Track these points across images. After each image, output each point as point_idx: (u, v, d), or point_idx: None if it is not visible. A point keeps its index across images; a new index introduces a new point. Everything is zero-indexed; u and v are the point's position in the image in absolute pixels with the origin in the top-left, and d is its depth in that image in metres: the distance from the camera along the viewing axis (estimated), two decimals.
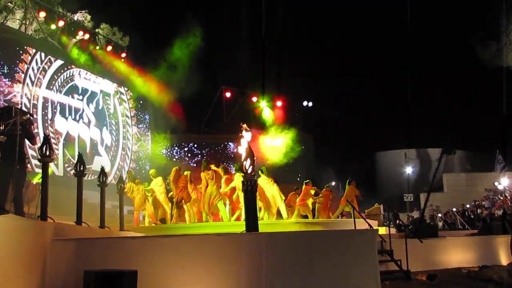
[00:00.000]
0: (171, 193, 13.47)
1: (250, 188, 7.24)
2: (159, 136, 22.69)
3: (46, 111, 17.37)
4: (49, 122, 17.40)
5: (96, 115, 19.76)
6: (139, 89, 21.13)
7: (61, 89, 18.27)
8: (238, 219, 12.62)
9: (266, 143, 21.40)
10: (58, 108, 17.85)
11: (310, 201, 14.39)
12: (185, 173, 13.31)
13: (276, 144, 21.49)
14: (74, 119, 18.64)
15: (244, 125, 11.62)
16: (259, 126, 24.78)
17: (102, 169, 9.38)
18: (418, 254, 10.74)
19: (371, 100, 34.52)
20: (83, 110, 19.12)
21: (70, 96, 18.54)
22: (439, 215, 24.48)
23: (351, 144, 32.71)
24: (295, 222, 11.82)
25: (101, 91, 20.19)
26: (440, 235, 12.53)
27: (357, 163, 31.26)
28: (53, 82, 17.92)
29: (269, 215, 12.71)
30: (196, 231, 11.01)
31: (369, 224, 10.49)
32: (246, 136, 11.24)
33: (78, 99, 18.98)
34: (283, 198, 12.92)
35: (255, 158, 7.58)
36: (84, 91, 19.29)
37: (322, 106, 30.83)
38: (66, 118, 18.23)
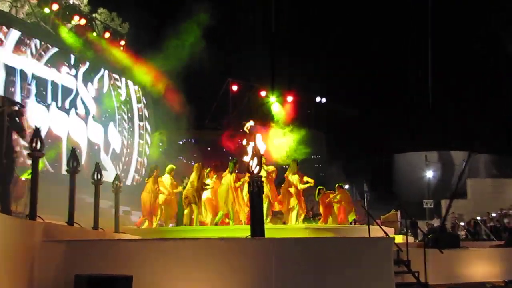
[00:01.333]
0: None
1: (257, 190, 7.22)
2: (160, 132, 22.72)
3: (12, 89, 14.43)
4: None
5: (99, 103, 18.84)
6: (139, 80, 21.14)
7: (40, 57, 15.65)
8: (222, 222, 12.80)
9: (274, 140, 21.37)
10: (34, 86, 15.40)
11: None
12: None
13: (285, 142, 21.47)
14: (61, 108, 16.62)
15: (248, 123, 11.65)
16: (267, 122, 24.73)
17: (97, 165, 9.40)
18: (437, 265, 10.66)
19: (390, 98, 34.37)
20: (76, 93, 17.44)
21: (55, 68, 16.25)
22: (462, 223, 24.34)
23: (367, 144, 32.55)
24: (304, 228, 11.81)
25: (107, 66, 19.22)
26: (462, 246, 12.43)
27: (373, 166, 31.16)
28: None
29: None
30: (198, 234, 11.03)
31: (384, 232, 10.45)
32: (252, 132, 11.24)
33: (68, 73, 16.96)
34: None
35: (262, 157, 7.56)
36: (79, 61, 17.41)
37: (336, 102, 30.73)
38: (47, 106, 15.86)
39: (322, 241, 7.81)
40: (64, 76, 17.35)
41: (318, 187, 14.92)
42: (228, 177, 12.91)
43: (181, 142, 25.29)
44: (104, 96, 19.98)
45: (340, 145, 31.28)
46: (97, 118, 19.36)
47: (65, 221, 7.95)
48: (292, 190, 13.08)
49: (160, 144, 23.32)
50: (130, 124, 21.54)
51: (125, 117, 21.46)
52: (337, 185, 15.15)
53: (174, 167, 14.20)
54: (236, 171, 13.00)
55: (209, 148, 25.86)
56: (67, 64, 17.59)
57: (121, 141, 20.81)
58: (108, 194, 11.03)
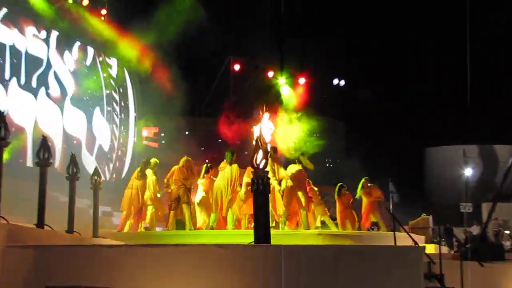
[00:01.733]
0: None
1: (262, 188, 7.22)
2: (145, 119, 22.76)
3: None
4: None
5: (80, 80, 18.56)
6: (122, 57, 21.12)
7: None
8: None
9: (283, 130, 21.38)
10: None
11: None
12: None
13: (294, 132, 21.48)
14: (26, 86, 15.04)
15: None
16: (275, 108, 24.69)
17: (73, 156, 9.43)
18: (477, 281, 10.61)
19: (421, 82, 34.14)
20: (48, 65, 16.20)
21: (16, 28, 14.38)
22: (507, 232, 24.30)
23: (393, 136, 32.37)
24: (317, 234, 11.85)
25: (85, 39, 18.86)
26: (507, 258, 12.40)
27: (400, 161, 31.03)
28: None
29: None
30: (191, 240, 11.17)
31: (413, 240, 10.43)
32: (260, 122, 11.33)
33: (36, 37, 15.32)
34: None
35: (269, 150, 7.56)
36: (51, 22, 16.20)
37: (357, 86, 30.63)
38: (4, 83, 14.16)
39: (339, 250, 7.80)
40: (30, 41, 15.43)
41: (338, 184, 15.00)
42: (227, 171, 12.96)
43: (187, 132, 25.33)
44: (88, 72, 19.71)
45: (361, 136, 31.14)
46: (77, 101, 18.75)
47: (33, 223, 7.97)
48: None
49: (146, 135, 23.39)
50: (123, 111, 21.57)
51: (117, 100, 21.40)
52: (364, 179, 15.35)
53: (158, 161, 14.40)
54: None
55: (205, 139, 25.84)
56: (34, 23, 15.50)
57: (110, 133, 20.75)
58: (85, 192, 11.09)
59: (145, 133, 24.17)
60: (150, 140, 23.96)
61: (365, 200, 15.05)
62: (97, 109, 20.14)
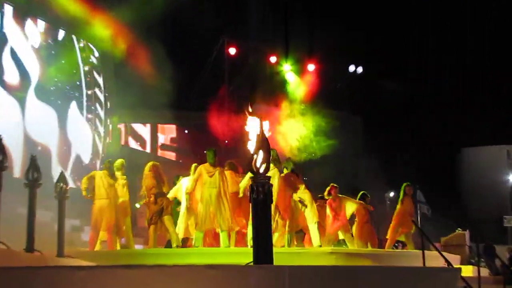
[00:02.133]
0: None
1: (263, 197, 7.20)
2: (120, 114, 22.79)
3: None
4: None
5: (49, 63, 18.20)
6: (93, 38, 21.11)
7: None
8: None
9: (288, 127, 21.40)
10: None
11: None
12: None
13: (302, 129, 21.50)
14: None
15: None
16: (279, 100, 24.74)
17: (33, 158, 9.42)
18: None
19: (455, 71, 34.08)
20: (3, 39, 15.63)
21: None
22: None
23: (422, 134, 32.38)
24: (329, 253, 11.86)
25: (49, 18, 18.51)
26: None
27: (430, 164, 31.03)
28: None
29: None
30: (179, 260, 11.17)
31: (446, 260, 10.45)
32: (255, 119, 11.35)
33: None
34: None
35: (271, 151, 7.55)
36: None
37: (378, 74, 30.62)
38: None
39: (356, 272, 7.79)
40: None
41: (361, 192, 15.21)
42: (216, 176, 13.02)
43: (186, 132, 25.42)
44: (58, 53, 19.44)
45: (381, 134, 31.11)
46: (44, 93, 18.11)
47: None
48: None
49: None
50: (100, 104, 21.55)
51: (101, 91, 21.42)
52: (405, 184, 15.22)
53: (124, 161, 14.66)
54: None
55: (194, 136, 25.94)
56: None
57: (91, 136, 20.60)
58: (50, 202, 11.07)
59: (161, 139, 24.39)
60: (166, 148, 24.18)
61: (402, 212, 15.04)
62: (73, 105, 19.66)
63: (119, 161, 14.66)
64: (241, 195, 13.36)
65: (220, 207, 13.02)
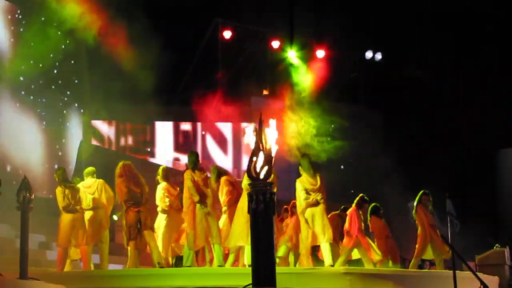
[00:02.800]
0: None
1: (263, 207, 7.18)
2: (97, 109, 22.81)
3: None
4: None
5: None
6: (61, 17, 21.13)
7: None
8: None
9: (293, 124, 21.44)
10: None
11: None
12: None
13: (308, 127, 21.56)
14: None
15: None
16: (282, 92, 24.76)
17: (25, 180, 9.48)
18: None
19: (491, 59, 34.05)
20: None
21: None
22: None
23: (451, 132, 32.38)
24: (343, 273, 11.84)
25: None
26: None
27: (461, 167, 31.02)
28: None
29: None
30: (167, 282, 11.15)
31: (482, 282, 10.49)
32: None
33: None
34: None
35: (273, 154, 7.54)
36: None
37: (400, 61, 30.59)
38: None
39: None
40: None
41: (372, 205, 15.27)
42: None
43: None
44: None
45: (404, 132, 31.10)
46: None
47: None
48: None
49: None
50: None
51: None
52: (422, 192, 15.47)
53: (94, 169, 14.81)
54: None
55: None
56: None
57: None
58: (10, 214, 11.06)
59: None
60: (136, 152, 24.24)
61: (420, 224, 15.15)
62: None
63: (89, 169, 14.73)
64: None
65: (212, 220, 13.11)
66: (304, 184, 13.56)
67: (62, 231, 13.93)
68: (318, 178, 13.64)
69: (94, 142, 24.85)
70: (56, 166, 20.56)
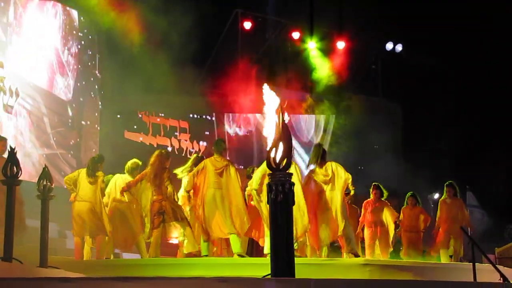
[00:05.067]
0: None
1: (283, 197, 7.18)
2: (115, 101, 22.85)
3: None
4: None
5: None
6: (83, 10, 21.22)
7: None
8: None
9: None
10: None
11: None
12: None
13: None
14: None
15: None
16: (302, 83, 24.68)
17: (12, 151, 9.45)
18: None
19: None
20: None
21: None
22: None
23: (477, 125, 32.12)
24: (363, 264, 11.87)
25: None
26: None
27: (488, 162, 30.79)
28: None
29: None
30: (184, 272, 11.27)
31: (501, 275, 10.39)
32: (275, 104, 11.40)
33: None
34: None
35: (292, 143, 7.53)
36: None
37: (422, 52, 30.39)
38: None
39: (395, 287, 7.76)
40: None
41: (409, 193, 15.79)
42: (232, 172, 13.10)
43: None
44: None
45: (427, 124, 30.90)
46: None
47: None
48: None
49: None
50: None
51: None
52: (447, 183, 15.74)
53: (140, 163, 14.70)
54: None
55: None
56: None
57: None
58: (33, 203, 11.11)
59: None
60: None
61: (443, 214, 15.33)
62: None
63: (132, 162, 14.77)
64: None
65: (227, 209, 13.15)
66: (317, 176, 13.63)
67: (73, 220, 14.00)
68: (330, 168, 13.69)
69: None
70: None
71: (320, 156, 13.76)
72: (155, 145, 25.20)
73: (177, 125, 26.92)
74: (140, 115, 25.73)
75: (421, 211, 16.31)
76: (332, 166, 13.66)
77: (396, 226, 15.84)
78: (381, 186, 15.87)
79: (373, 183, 16.03)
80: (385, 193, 15.89)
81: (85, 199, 13.84)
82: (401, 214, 16.11)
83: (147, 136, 25.79)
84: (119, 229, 14.26)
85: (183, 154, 25.89)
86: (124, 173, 14.67)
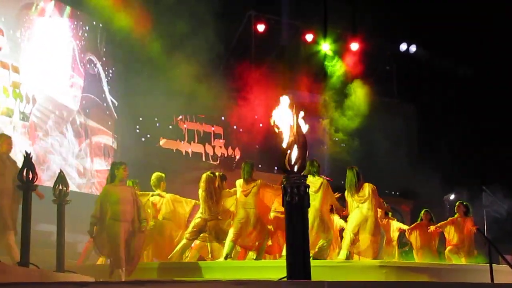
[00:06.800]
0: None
1: (298, 200, 7.19)
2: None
3: None
4: None
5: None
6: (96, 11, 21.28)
7: None
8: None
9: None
10: None
11: None
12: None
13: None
14: None
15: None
16: (315, 86, 24.66)
17: (28, 157, 9.50)
18: None
19: None
20: None
21: None
22: None
23: (494, 125, 31.98)
24: (379, 266, 11.83)
25: None
26: None
27: (504, 163, 30.63)
28: None
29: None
30: (197, 275, 11.47)
31: None
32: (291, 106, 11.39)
33: None
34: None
35: (307, 147, 7.54)
36: None
37: (437, 54, 30.31)
38: None
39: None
40: None
41: (424, 210, 16.10)
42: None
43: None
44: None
45: (444, 126, 30.78)
46: None
47: None
48: None
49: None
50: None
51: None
52: (458, 203, 15.97)
53: (163, 175, 14.98)
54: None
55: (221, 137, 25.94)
56: None
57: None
58: (47, 207, 11.14)
59: None
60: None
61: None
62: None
63: (156, 175, 14.90)
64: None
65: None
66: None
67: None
68: (366, 189, 13.72)
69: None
70: None
71: (358, 178, 13.81)
72: (190, 154, 25.17)
73: (211, 131, 26.74)
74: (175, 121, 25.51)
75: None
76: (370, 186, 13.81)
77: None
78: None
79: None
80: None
81: None
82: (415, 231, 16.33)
83: (182, 144, 25.54)
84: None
85: (217, 162, 25.76)
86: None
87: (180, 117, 25.29)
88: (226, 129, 26.20)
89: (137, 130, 23.53)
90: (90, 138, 21.71)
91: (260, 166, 20.62)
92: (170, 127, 24.89)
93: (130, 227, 12.07)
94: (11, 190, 11.21)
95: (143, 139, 23.54)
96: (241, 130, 25.75)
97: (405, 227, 16.19)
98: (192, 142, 25.73)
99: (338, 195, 14.11)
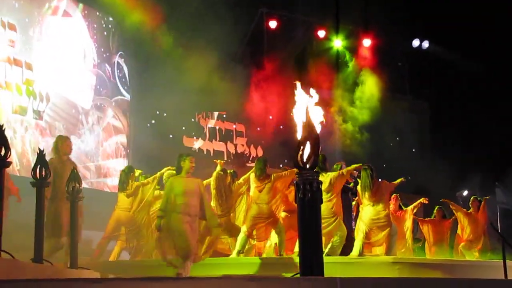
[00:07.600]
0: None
1: (311, 196, 7.18)
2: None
3: None
4: None
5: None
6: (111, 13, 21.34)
7: None
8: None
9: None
10: None
11: None
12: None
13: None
14: None
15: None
16: (328, 82, 24.60)
17: (41, 154, 9.52)
18: None
19: None
20: None
21: None
22: None
23: (507, 122, 31.81)
24: (392, 262, 11.80)
25: None
26: None
27: (510, 156, 30.50)
28: None
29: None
30: (214, 271, 11.41)
31: None
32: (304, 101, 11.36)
33: None
34: None
35: (319, 141, 7.52)
36: None
37: (450, 50, 30.19)
38: None
39: (423, 285, 7.73)
40: None
41: (437, 206, 16.35)
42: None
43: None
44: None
45: (457, 123, 30.67)
46: None
47: None
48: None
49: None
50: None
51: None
52: (472, 197, 16.24)
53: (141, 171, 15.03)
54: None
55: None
56: None
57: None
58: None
59: None
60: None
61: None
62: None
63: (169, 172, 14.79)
64: None
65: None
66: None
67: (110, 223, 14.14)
68: (380, 190, 13.68)
69: None
70: None
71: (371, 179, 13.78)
72: (212, 153, 25.10)
73: (232, 129, 26.70)
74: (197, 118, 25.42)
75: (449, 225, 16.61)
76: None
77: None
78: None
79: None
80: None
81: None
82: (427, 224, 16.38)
83: (204, 142, 25.40)
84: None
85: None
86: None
87: (201, 114, 25.22)
88: (248, 127, 26.10)
89: (149, 127, 23.49)
90: (103, 136, 21.77)
91: (281, 165, 20.48)
92: (184, 127, 24.74)
93: (192, 220, 11.96)
94: None
95: (158, 136, 23.49)
96: (258, 129, 25.64)
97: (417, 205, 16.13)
98: (213, 140, 25.69)
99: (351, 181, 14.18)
